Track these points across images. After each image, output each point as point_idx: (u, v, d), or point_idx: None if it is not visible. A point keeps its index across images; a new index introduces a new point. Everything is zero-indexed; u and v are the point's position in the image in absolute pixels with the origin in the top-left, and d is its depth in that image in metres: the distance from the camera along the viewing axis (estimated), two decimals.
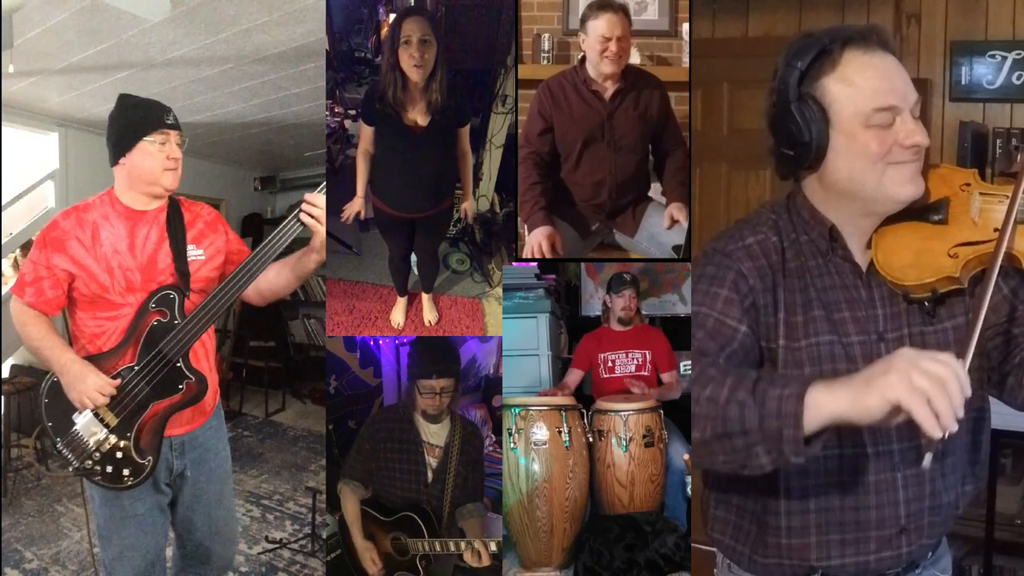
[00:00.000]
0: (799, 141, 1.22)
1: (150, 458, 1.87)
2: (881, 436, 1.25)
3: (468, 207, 2.40)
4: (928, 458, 1.03)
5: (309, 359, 6.93)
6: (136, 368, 1.84)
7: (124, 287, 1.87)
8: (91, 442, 1.83)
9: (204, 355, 1.98)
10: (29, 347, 1.91)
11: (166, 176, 1.90)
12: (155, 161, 1.88)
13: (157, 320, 1.85)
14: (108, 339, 1.87)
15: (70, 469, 1.84)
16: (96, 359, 1.85)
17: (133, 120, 1.90)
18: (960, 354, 1.04)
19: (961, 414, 0.97)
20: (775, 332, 1.25)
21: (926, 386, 0.96)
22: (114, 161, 1.92)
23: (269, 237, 1.85)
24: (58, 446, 1.85)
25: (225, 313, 2.02)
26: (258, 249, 1.85)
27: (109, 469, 1.85)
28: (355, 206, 2.27)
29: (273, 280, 2.02)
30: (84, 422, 1.83)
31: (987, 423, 1.36)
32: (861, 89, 1.19)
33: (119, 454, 1.84)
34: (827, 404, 1.02)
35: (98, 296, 1.87)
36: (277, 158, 6.92)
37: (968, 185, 1.25)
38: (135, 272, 1.88)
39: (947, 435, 0.97)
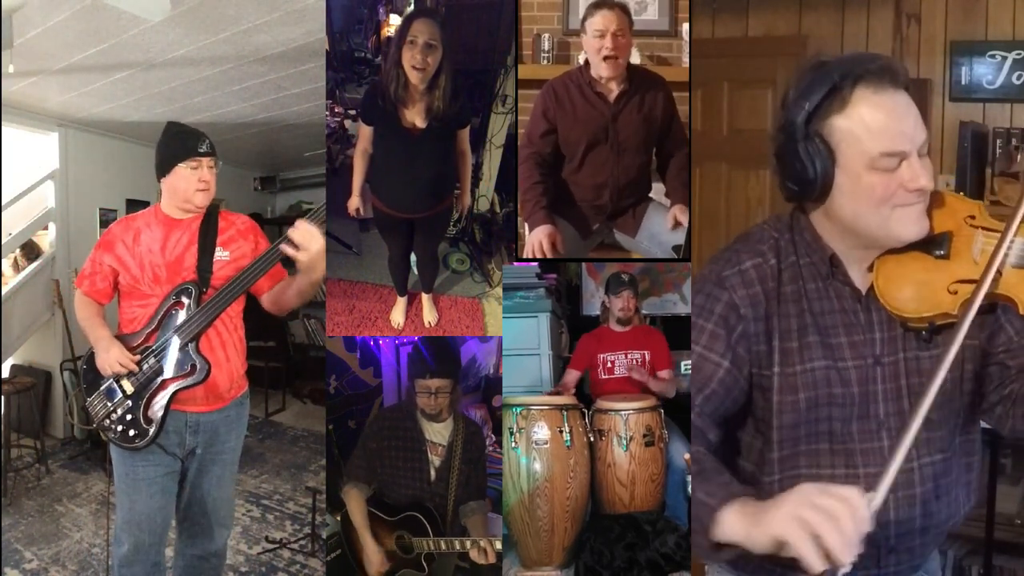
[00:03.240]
0: (804, 179, 1.21)
1: (155, 425, 2.15)
2: (872, 458, 1.25)
3: (465, 205, 2.44)
4: None
5: (309, 359, 6.93)
6: (153, 348, 2.16)
7: (152, 279, 2.20)
8: (110, 404, 2.18)
9: (220, 346, 2.23)
10: (79, 325, 2.33)
11: (198, 196, 2.22)
12: (188, 183, 2.20)
13: (176, 309, 2.17)
14: (138, 323, 2.21)
15: (94, 425, 2.22)
16: (125, 337, 2.20)
17: (172, 147, 2.23)
18: (870, 488, 1.01)
19: (856, 551, 0.94)
20: (768, 360, 1.25)
21: (815, 520, 0.95)
22: (159, 179, 2.26)
23: (252, 262, 2.14)
24: (86, 404, 2.22)
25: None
26: (247, 267, 2.15)
27: (119, 428, 2.17)
28: (352, 204, 2.32)
29: (276, 294, 2.27)
30: (107, 387, 2.19)
31: (978, 445, 1.36)
32: (869, 131, 1.16)
33: (129, 416, 2.16)
34: (730, 528, 1.05)
35: (133, 287, 2.23)
36: (277, 158, 6.93)
37: (973, 218, 1.23)
38: (162, 268, 2.20)
39: (840, 572, 0.95)
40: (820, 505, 0.96)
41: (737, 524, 1.04)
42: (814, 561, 0.94)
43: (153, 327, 2.18)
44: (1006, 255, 1.16)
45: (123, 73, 4.09)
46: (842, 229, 1.25)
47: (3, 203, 4.73)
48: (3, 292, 5.09)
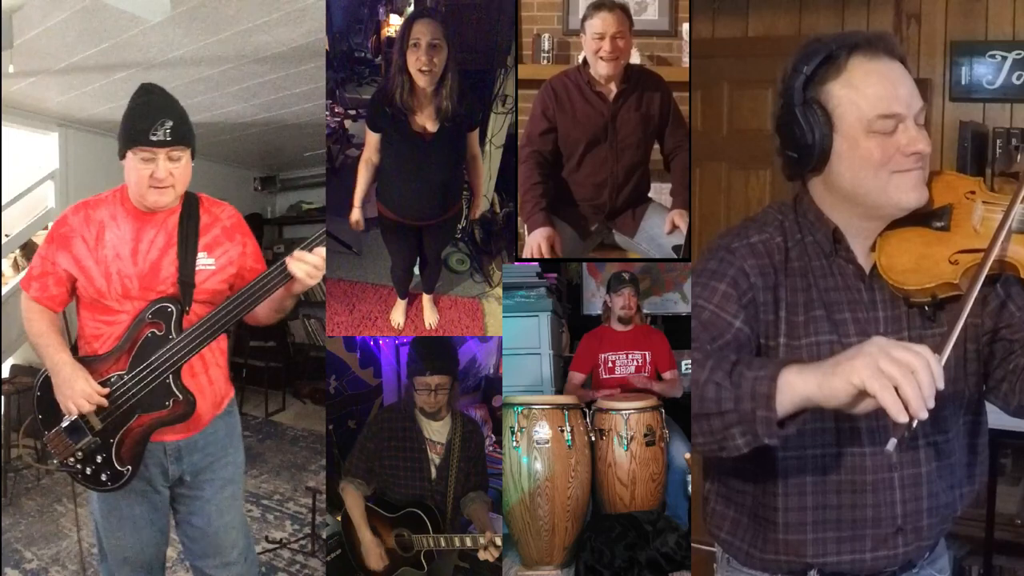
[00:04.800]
0: (803, 144, 1.23)
1: (130, 467, 1.83)
2: (878, 436, 1.25)
3: (480, 211, 2.35)
4: (893, 442, 1.03)
5: (309, 359, 6.93)
6: (125, 377, 1.80)
7: (120, 294, 1.82)
8: (74, 443, 1.82)
9: (203, 370, 1.90)
10: (30, 342, 1.90)
11: (150, 194, 1.78)
12: (139, 177, 1.77)
13: (152, 332, 1.80)
14: (104, 343, 1.84)
15: (54, 463, 1.85)
16: (90, 361, 1.82)
17: (125, 126, 1.79)
18: (937, 349, 1.04)
19: (931, 404, 0.97)
20: (775, 330, 1.26)
21: (894, 372, 0.97)
22: (120, 159, 1.84)
23: (251, 283, 1.80)
24: (44, 439, 1.85)
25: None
26: (239, 293, 1.80)
27: (88, 471, 1.83)
28: (353, 217, 2.19)
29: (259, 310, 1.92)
30: (70, 424, 1.82)
31: (984, 427, 1.37)
32: (865, 95, 1.19)
33: (99, 458, 1.82)
34: (797, 386, 1.04)
35: (95, 300, 1.84)
36: (277, 158, 6.93)
37: (973, 193, 1.26)
38: (133, 279, 1.81)
39: (915, 423, 0.97)
40: (898, 358, 0.98)
41: (809, 379, 1.03)
42: (898, 410, 0.97)
43: (124, 349, 1.80)
44: (1010, 223, 1.17)
45: (123, 73, 4.09)
46: (843, 199, 1.26)
47: (3, 203, 4.73)
48: (3, 292, 5.08)
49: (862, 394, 0.99)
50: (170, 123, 1.75)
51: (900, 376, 0.97)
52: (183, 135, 1.78)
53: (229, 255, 1.91)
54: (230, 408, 2.05)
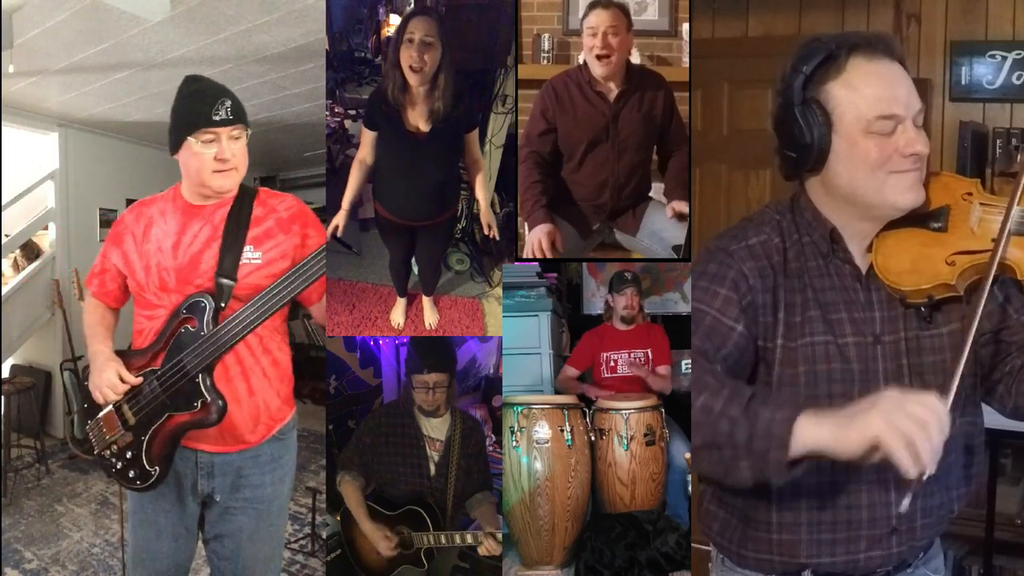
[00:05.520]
0: (801, 143, 1.23)
1: (158, 468, 1.76)
2: None
3: (489, 220, 2.18)
4: (906, 503, 1.06)
5: (309, 359, 6.92)
6: (158, 373, 1.74)
7: (158, 286, 1.77)
8: (109, 434, 1.80)
9: (241, 375, 1.77)
10: (83, 333, 1.93)
11: (215, 179, 1.73)
12: (201, 163, 1.72)
13: (186, 328, 1.73)
14: (145, 338, 1.80)
15: (95, 453, 1.84)
16: (129, 355, 1.79)
17: (181, 113, 1.76)
18: (943, 391, 1.06)
19: (939, 456, 1.00)
20: (773, 331, 1.26)
21: (908, 428, 1.00)
22: (172, 154, 1.81)
23: (286, 275, 1.71)
24: (86, 428, 1.84)
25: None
26: (273, 286, 1.70)
27: (119, 465, 1.80)
28: (338, 219, 2.08)
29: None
30: (107, 413, 1.80)
31: (980, 429, 1.36)
32: (864, 96, 1.20)
33: (129, 454, 1.78)
34: (812, 434, 1.06)
35: (139, 294, 1.82)
36: (277, 158, 6.93)
37: (970, 195, 1.26)
38: (170, 272, 1.76)
39: (925, 477, 1.01)
40: (911, 413, 1.00)
41: (824, 430, 1.05)
42: (911, 466, 1.00)
43: (160, 346, 1.75)
44: (1018, 220, 1.18)
45: (123, 73, 4.10)
46: (840, 200, 1.26)
47: (3, 203, 4.74)
48: (3, 292, 5.09)
49: (875, 448, 1.02)
50: (229, 102, 1.73)
51: (914, 432, 0.99)
52: (242, 113, 1.76)
53: (281, 248, 1.79)
54: (283, 434, 1.89)
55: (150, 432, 1.76)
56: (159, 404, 1.75)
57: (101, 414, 1.81)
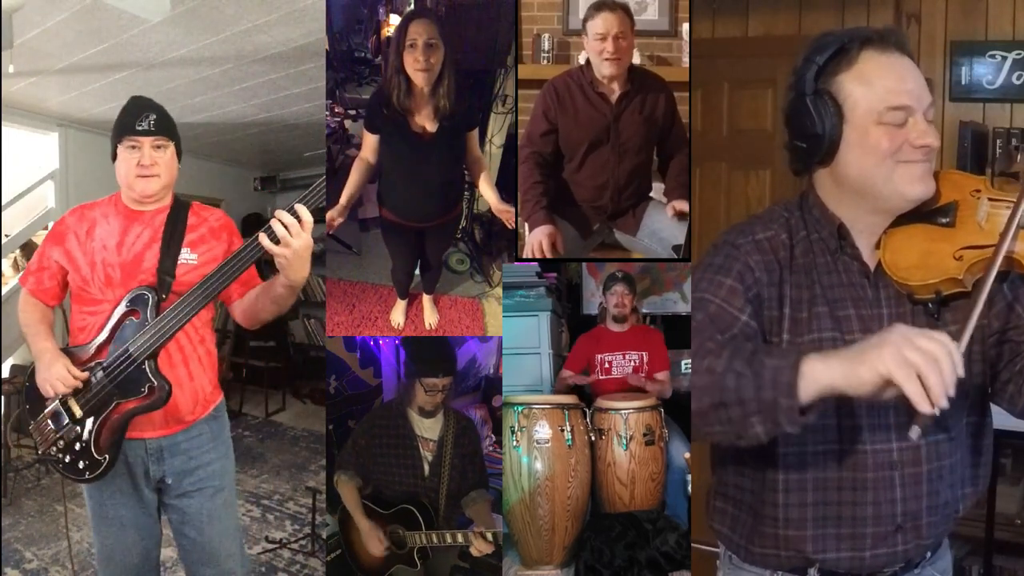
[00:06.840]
0: (812, 134, 1.24)
1: (107, 456, 1.86)
2: (879, 435, 1.25)
3: (504, 209, 2.16)
4: (916, 431, 1.05)
5: (309, 359, 6.93)
6: (104, 364, 1.85)
7: (103, 282, 1.90)
8: (56, 429, 1.88)
9: (182, 362, 1.94)
10: (21, 332, 2.01)
11: (138, 183, 1.91)
12: (127, 167, 1.92)
13: (130, 319, 1.86)
14: (89, 333, 1.91)
15: (38, 452, 1.90)
16: (73, 351, 1.89)
17: (115, 125, 1.94)
18: (956, 337, 1.05)
19: (952, 392, 0.99)
20: (778, 327, 1.26)
21: (918, 361, 0.98)
22: (113, 161, 1.98)
23: (222, 263, 1.81)
24: (29, 428, 1.92)
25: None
26: (211, 273, 1.81)
27: (68, 459, 1.87)
28: (333, 212, 2.08)
29: (248, 304, 1.98)
30: (52, 409, 1.88)
31: (989, 429, 1.37)
32: (876, 87, 1.21)
33: (78, 446, 1.87)
34: (821, 374, 1.04)
35: (82, 290, 1.93)
36: (277, 158, 6.92)
37: (978, 191, 1.26)
38: (116, 268, 1.90)
39: (938, 411, 0.99)
40: (921, 346, 0.99)
41: (834, 367, 1.04)
42: (922, 400, 0.98)
43: (104, 339, 1.86)
44: (1020, 213, 1.18)
45: (123, 73, 4.09)
46: (849, 192, 1.27)
47: (3, 203, 4.73)
48: (3, 292, 5.09)
49: (887, 383, 1.00)
50: (153, 116, 1.91)
51: (924, 365, 0.98)
52: (166, 127, 1.93)
53: (213, 252, 1.97)
54: (217, 412, 2.06)
55: (98, 422, 1.86)
56: (106, 394, 1.84)
57: (46, 411, 1.89)
